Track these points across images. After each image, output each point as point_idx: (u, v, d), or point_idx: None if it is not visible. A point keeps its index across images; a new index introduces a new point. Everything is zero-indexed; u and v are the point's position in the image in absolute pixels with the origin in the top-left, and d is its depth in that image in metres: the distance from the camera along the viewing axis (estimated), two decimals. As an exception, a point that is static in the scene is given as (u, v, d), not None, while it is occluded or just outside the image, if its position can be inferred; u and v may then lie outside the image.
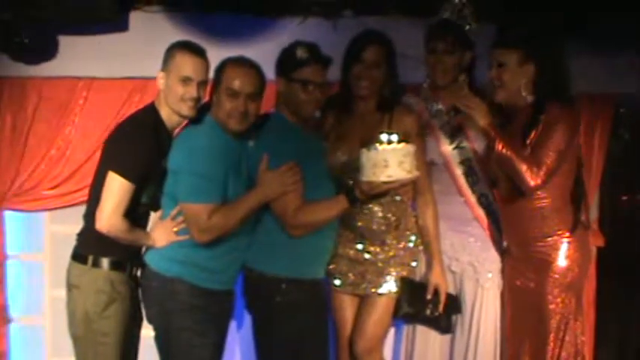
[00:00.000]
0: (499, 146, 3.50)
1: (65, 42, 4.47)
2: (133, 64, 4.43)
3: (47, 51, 4.46)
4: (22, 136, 4.55)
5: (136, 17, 4.47)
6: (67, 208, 4.57)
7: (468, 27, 3.80)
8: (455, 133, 3.81)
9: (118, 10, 4.29)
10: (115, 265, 3.42)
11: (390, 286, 3.71)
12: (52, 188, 4.61)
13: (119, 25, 4.43)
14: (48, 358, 4.74)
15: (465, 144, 3.81)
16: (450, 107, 3.72)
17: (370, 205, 3.65)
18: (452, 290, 3.81)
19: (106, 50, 4.47)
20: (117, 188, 3.32)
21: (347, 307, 3.80)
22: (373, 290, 3.71)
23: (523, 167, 3.48)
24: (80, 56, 4.47)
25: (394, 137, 3.38)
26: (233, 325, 3.83)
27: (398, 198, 3.68)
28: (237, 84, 3.40)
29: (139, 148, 3.35)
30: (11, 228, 4.71)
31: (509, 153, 3.50)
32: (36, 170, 4.58)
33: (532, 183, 3.49)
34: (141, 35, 4.45)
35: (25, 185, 4.59)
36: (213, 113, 3.46)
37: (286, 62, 3.54)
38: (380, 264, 3.71)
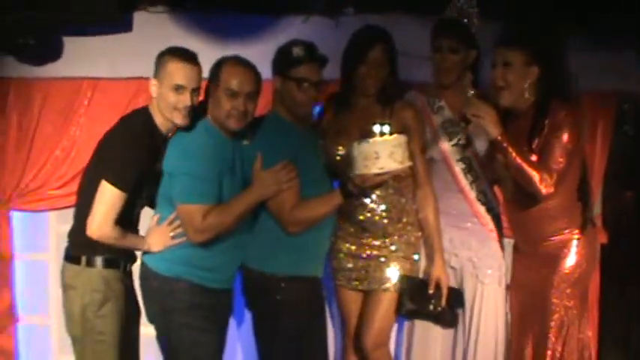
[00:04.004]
0: (511, 156, 3.47)
1: (70, 43, 4.48)
2: (137, 64, 4.39)
3: (52, 52, 4.48)
4: (28, 136, 4.57)
5: (139, 17, 4.48)
6: (72, 208, 4.53)
7: (472, 26, 3.79)
8: (455, 129, 3.80)
9: (121, 11, 4.30)
10: (108, 263, 3.41)
11: (393, 280, 3.69)
12: (58, 188, 4.62)
13: (123, 25, 4.44)
14: (54, 356, 4.76)
15: (464, 141, 3.79)
16: (460, 117, 3.67)
17: (372, 199, 3.65)
18: (453, 285, 3.77)
19: (111, 51, 4.48)
20: (109, 197, 3.30)
21: (351, 302, 3.80)
22: (377, 286, 3.70)
23: (535, 177, 3.46)
24: (85, 57, 4.48)
25: (386, 128, 3.38)
26: (233, 323, 3.84)
27: (396, 191, 3.67)
28: (235, 84, 3.41)
29: (132, 156, 3.32)
30: (18, 228, 4.74)
31: (521, 163, 3.46)
32: (41, 170, 4.60)
33: (544, 191, 3.47)
34: (145, 35, 4.45)
35: (31, 185, 4.61)
36: (210, 112, 3.47)
37: (282, 60, 3.55)
38: (382, 259, 3.70)
